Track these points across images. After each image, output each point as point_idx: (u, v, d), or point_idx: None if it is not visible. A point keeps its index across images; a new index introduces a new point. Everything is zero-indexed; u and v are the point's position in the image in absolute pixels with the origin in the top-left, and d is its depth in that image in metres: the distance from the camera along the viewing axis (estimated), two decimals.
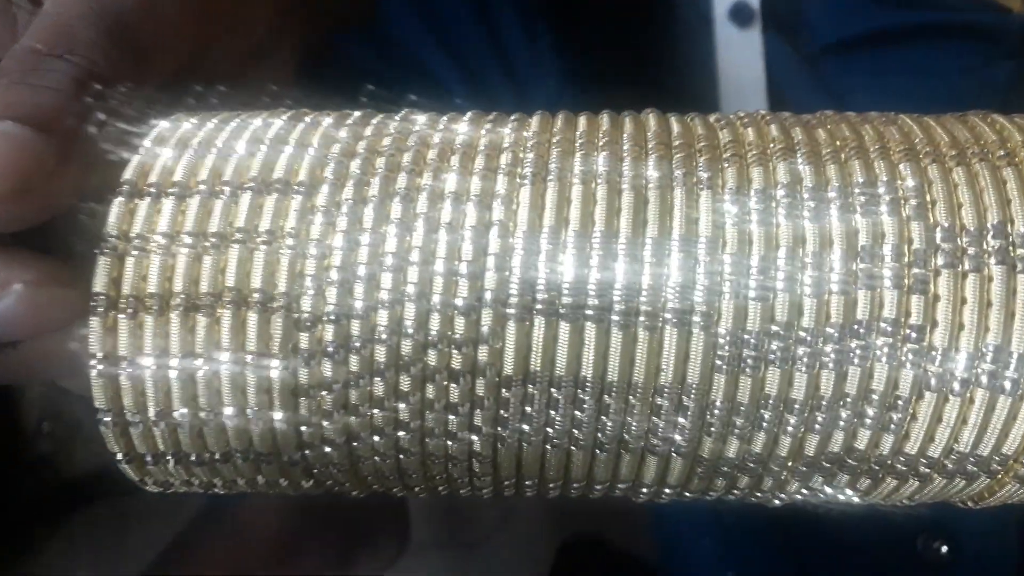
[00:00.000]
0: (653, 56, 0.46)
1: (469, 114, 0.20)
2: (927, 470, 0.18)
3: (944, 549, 0.45)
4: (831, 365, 0.17)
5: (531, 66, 0.46)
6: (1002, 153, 0.18)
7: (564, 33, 0.46)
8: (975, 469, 0.18)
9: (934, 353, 0.17)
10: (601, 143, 0.19)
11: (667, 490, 0.20)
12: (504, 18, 0.46)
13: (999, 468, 0.18)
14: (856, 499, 0.20)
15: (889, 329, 0.17)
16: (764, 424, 0.18)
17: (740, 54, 0.45)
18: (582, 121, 0.20)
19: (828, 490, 0.19)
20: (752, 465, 0.18)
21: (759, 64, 0.45)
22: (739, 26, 0.45)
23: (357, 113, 0.20)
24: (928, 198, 0.17)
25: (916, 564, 0.45)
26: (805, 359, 0.17)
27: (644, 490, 0.20)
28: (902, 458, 0.18)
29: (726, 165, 0.18)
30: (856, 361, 0.17)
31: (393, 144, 0.19)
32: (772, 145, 0.18)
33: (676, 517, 0.50)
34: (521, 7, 0.45)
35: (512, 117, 0.20)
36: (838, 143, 0.18)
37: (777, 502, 0.20)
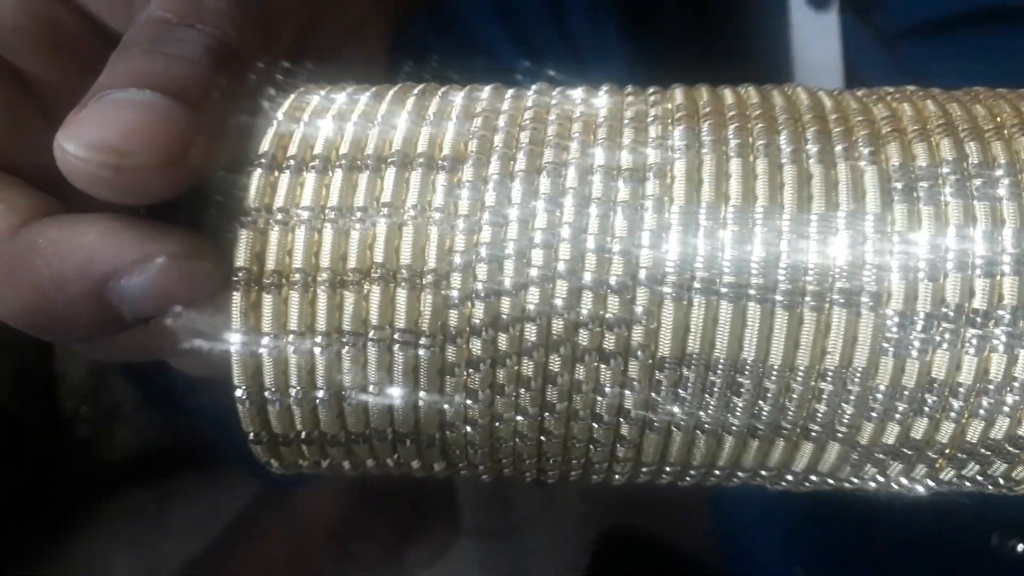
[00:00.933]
0: (724, 39, 0.45)
1: (605, 86, 0.20)
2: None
3: (1020, 547, 0.44)
4: (1001, 348, 0.16)
5: (597, 50, 0.45)
6: None
7: (631, 15, 0.45)
8: None
9: None
10: (754, 115, 0.18)
11: (813, 477, 0.19)
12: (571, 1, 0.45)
13: None
14: (1007, 490, 0.19)
15: None
16: (926, 409, 0.17)
17: (816, 37, 0.44)
18: (729, 93, 0.19)
19: (980, 479, 0.19)
20: (908, 451, 0.18)
21: (836, 47, 0.44)
22: (816, 8, 0.44)
23: (488, 87, 0.20)
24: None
25: (990, 561, 0.44)
26: (975, 341, 0.16)
27: (789, 477, 0.19)
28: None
29: (888, 140, 0.17)
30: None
31: (535, 117, 0.18)
32: (931, 121, 0.18)
33: (740, 508, 0.49)
34: None
35: (651, 89, 0.19)
36: (999, 119, 0.18)
37: (922, 490, 0.19)
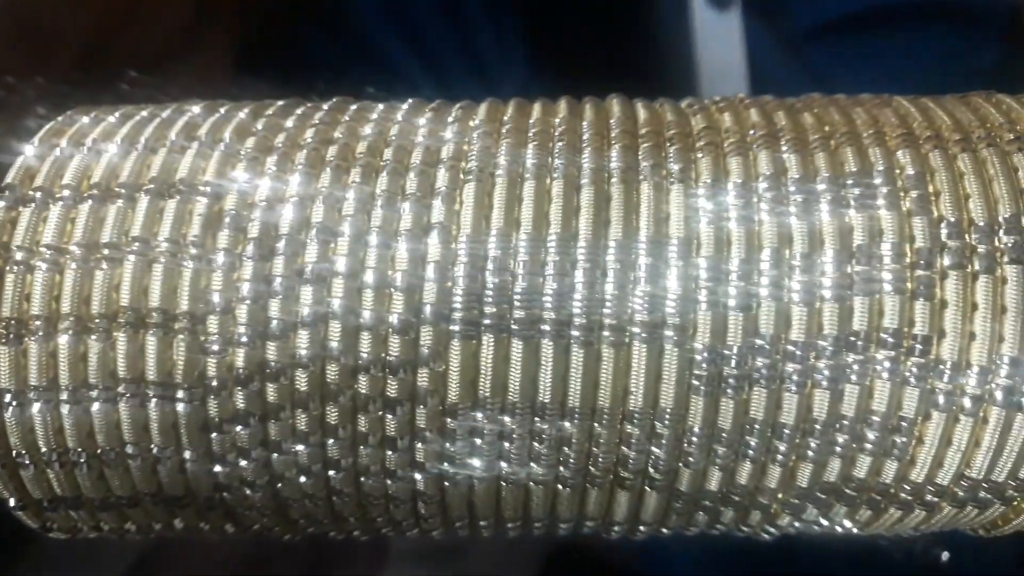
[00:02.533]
0: (627, 43, 0.44)
1: (409, 102, 0.18)
2: (935, 499, 0.16)
3: (945, 555, 0.43)
4: (825, 383, 0.15)
5: (499, 55, 0.44)
6: (1011, 137, 0.16)
7: (532, 18, 0.43)
8: (988, 496, 0.16)
9: (942, 367, 0.15)
10: (558, 133, 0.16)
11: (642, 527, 0.17)
12: (470, 5, 0.43)
13: (1015, 494, 0.16)
14: (855, 530, 0.18)
15: (891, 341, 0.14)
16: (750, 452, 0.15)
17: (719, 39, 0.43)
18: (536, 108, 0.17)
19: (824, 522, 0.17)
20: (737, 498, 0.16)
21: (739, 49, 0.43)
22: (718, 9, 0.43)
23: (279, 103, 0.18)
24: (931, 189, 0.15)
25: (914, 569, 0.43)
26: (795, 377, 0.15)
27: (616, 528, 0.17)
28: (907, 486, 0.16)
29: (700, 155, 0.16)
30: (854, 378, 0.15)
31: (317, 136, 0.16)
32: (752, 132, 0.16)
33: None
34: None
35: (457, 105, 0.18)
36: (827, 128, 0.16)
37: (767, 536, 0.18)
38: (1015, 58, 0.45)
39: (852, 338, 0.15)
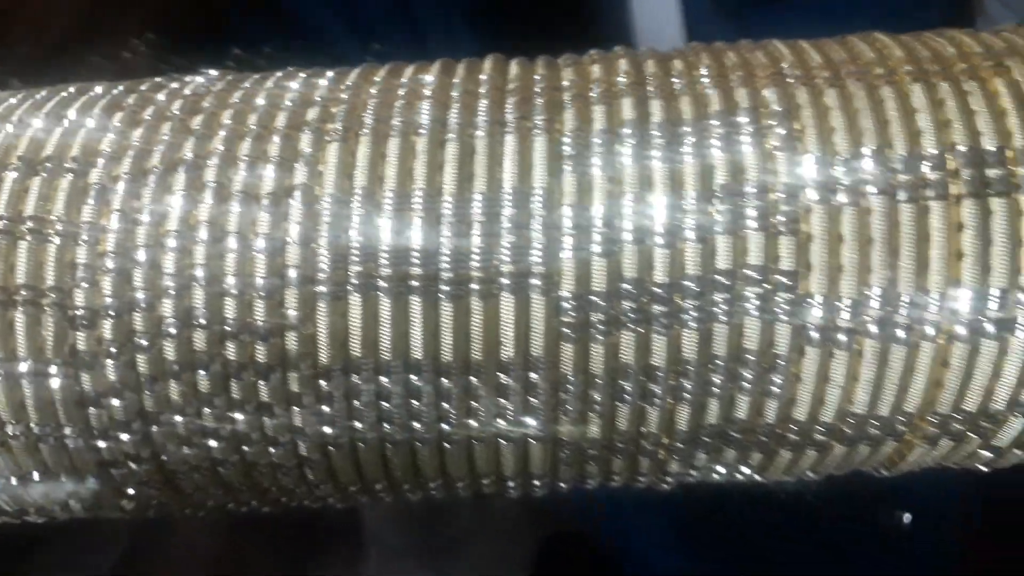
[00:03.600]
0: (564, 12, 0.44)
1: (282, 72, 0.18)
2: (823, 438, 0.16)
3: (907, 518, 0.43)
4: (693, 323, 0.15)
5: (442, 28, 0.44)
6: (881, 71, 0.16)
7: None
8: (878, 432, 0.16)
9: (811, 302, 0.15)
10: (428, 91, 0.16)
11: (536, 482, 0.17)
12: None
13: (904, 428, 0.16)
14: (756, 476, 0.18)
15: (757, 277, 0.14)
16: (626, 397, 0.15)
17: (657, 11, 0.43)
18: (409, 70, 0.17)
19: (719, 468, 0.17)
20: (621, 445, 0.16)
21: (677, 21, 0.43)
22: None
23: (157, 79, 0.18)
24: (796, 125, 0.15)
25: (878, 536, 0.43)
26: (663, 319, 0.15)
27: (510, 483, 0.17)
28: (793, 426, 0.16)
29: (566, 106, 0.16)
30: (722, 317, 0.15)
31: (185, 107, 0.16)
32: (621, 80, 0.16)
33: (627, 501, 0.48)
34: None
35: (331, 71, 0.18)
36: (694, 73, 0.16)
37: (666, 486, 0.18)
38: (960, 17, 0.45)
39: (718, 277, 0.14)
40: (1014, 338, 0.15)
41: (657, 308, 0.15)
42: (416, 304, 0.15)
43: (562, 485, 0.17)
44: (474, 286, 0.15)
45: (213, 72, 0.18)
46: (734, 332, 0.15)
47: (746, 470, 0.17)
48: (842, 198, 0.15)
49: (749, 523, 0.43)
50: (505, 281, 0.15)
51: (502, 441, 0.16)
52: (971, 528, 0.45)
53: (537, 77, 0.16)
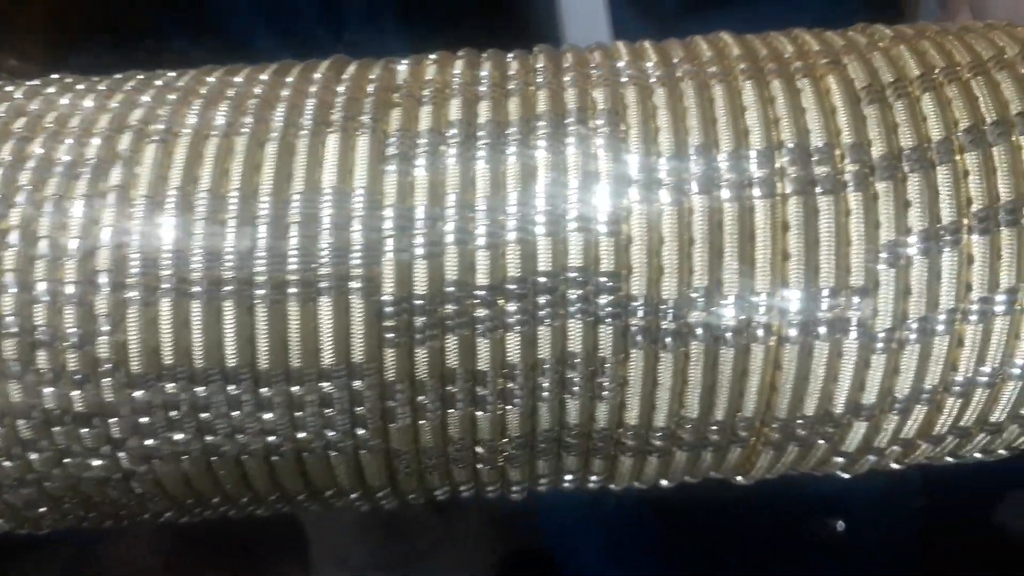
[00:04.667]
0: (495, 22, 0.44)
1: (124, 74, 0.17)
2: (661, 443, 0.16)
3: (840, 526, 0.43)
4: (517, 326, 0.14)
5: (372, 30, 0.43)
6: (714, 70, 0.16)
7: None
8: (718, 438, 0.16)
9: (634, 304, 0.14)
10: (257, 91, 0.16)
11: (379, 494, 0.17)
12: None
13: (747, 434, 0.16)
14: (610, 485, 0.17)
15: (579, 279, 0.14)
16: (456, 402, 0.15)
17: (586, 19, 0.43)
18: (244, 72, 0.17)
19: (566, 476, 0.17)
20: (457, 453, 0.16)
21: (606, 29, 0.43)
22: None
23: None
24: (622, 126, 0.15)
25: (812, 544, 0.43)
26: (487, 321, 0.14)
27: (353, 497, 0.17)
28: (628, 431, 0.15)
29: (395, 107, 0.15)
30: (546, 320, 0.14)
31: (9, 111, 0.16)
32: (454, 82, 0.16)
33: (562, 511, 0.47)
34: None
35: (171, 72, 0.17)
36: (529, 75, 0.16)
37: (515, 497, 0.17)
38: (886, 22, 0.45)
39: (540, 279, 0.14)
40: (847, 339, 0.15)
41: (481, 311, 0.14)
42: (230, 309, 0.14)
43: (411, 498, 0.17)
44: (292, 290, 0.14)
45: (56, 76, 0.18)
46: (557, 335, 0.14)
47: (594, 478, 0.17)
48: (664, 197, 0.14)
49: (706, 541, 0.43)
50: (324, 285, 0.14)
51: (332, 452, 0.15)
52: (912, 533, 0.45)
53: (372, 77, 0.16)
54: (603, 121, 0.15)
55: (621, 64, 0.16)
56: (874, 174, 0.14)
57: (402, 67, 0.16)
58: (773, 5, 0.44)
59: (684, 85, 0.15)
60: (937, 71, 0.15)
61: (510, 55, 0.17)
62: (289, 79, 0.16)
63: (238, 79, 0.16)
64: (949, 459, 0.17)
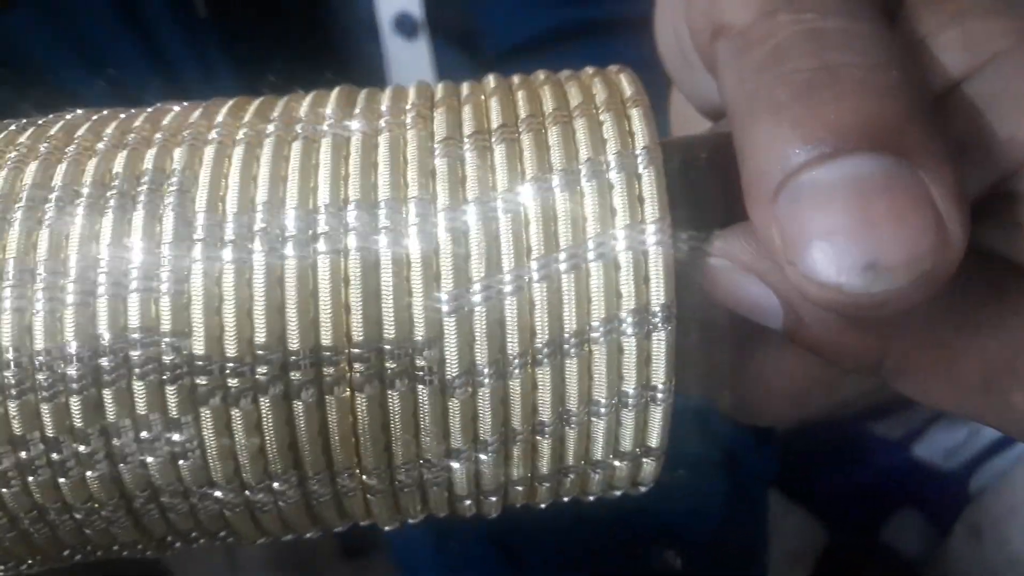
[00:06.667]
0: (321, 67, 0.44)
1: None
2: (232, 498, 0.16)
3: (678, 560, 0.43)
4: (86, 390, 0.14)
5: (201, 78, 0.44)
6: (299, 129, 0.16)
7: (226, 38, 0.43)
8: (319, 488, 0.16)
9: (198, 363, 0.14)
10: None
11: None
12: (158, 23, 0.43)
13: (351, 483, 0.16)
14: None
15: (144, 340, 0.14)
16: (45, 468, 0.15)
17: (410, 65, 0.44)
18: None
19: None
20: (86, 518, 0.15)
21: (430, 75, 0.44)
22: (405, 37, 0.44)
23: None
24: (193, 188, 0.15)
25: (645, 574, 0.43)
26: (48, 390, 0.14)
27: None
28: (220, 489, 0.15)
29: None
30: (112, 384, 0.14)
31: None
32: (43, 145, 0.16)
33: (406, 535, 0.47)
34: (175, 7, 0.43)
35: None
36: (125, 136, 0.16)
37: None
38: None
39: (102, 343, 0.14)
40: (420, 387, 0.15)
41: (41, 376, 0.14)
42: None
43: (36, 561, 0.17)
44: None
45: None
46: (123, 397, 0.14)
47: (221, 535, 0.17)
48: (227, 255, 0.14)
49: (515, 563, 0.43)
50: None
51: None
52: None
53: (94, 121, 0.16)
54: (175, 180, 0.15)
55: (216, 121, 0.16)
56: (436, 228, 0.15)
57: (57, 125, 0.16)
58: (591, 48, 0.45)
59: (266, 143, 0.16)
60: (519, 121, 0.16)
61: (122, 115, 0.17)
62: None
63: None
64: (590, 497, 0.18)
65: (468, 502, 0.17)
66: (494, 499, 0.17)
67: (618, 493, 0.17)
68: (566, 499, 0.17)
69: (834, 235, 0.12)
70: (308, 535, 0.17)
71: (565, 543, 0.42)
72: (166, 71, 0.44)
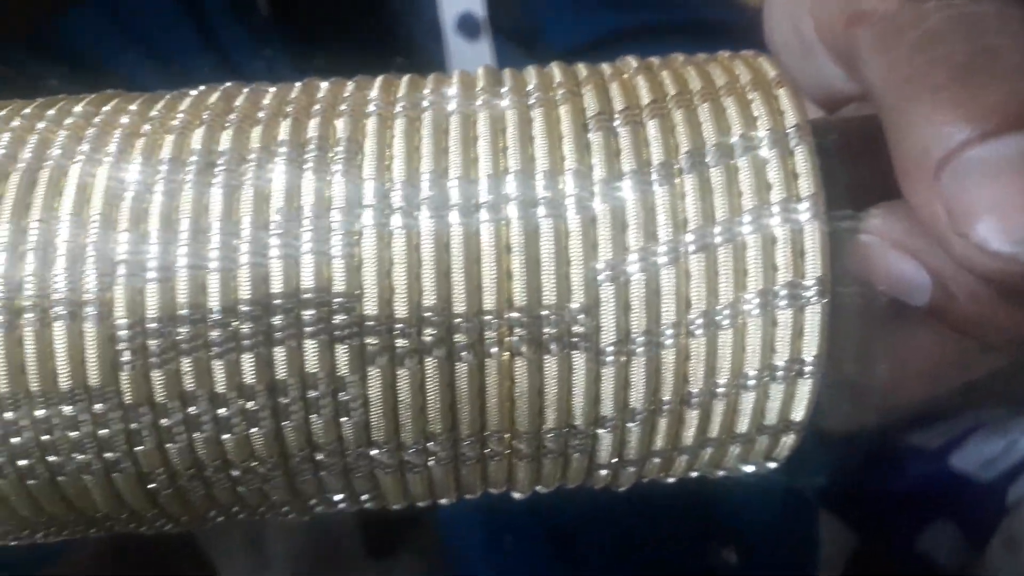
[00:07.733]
0: (384, 67, 0.45)
1: None
2: (416, 459, 0.16)
3: (734, 556, 0.44)
4: (251, 347, 0.15)
5: (255, 69, 0.44)
6: (453, 106, 0.16)
7: (288, 42, 0.44)
8: (471, 452, 0.16)
9: (369, 324, 0.15)
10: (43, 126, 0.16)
11: (149, 516, 0.17)
12: (221, 22, 0.44)
13: (498, 447, 0.16)
14: (383, 505, 0.18)
15: (313, 300, 0.15)
16: (201, 424, 0.15)
17: (472, 66, 0.44)
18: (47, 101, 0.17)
19: (335, 498, 0.17)
20: (214, 475, 0.16)
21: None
22: (468, 38, 0.44)
23: None
24: (359, 156, 0.15)
25: (705, 573, 0.43)
26: (221, 344, 0.15)
27: (124, 518, 0.17)
28: (382, 449, 0.16)
29: (142, 136, 0.16)
30: (283, 342, 0.15)
31: None
32: (206, 113, 0.16)
33: (451, 512, 0.47)
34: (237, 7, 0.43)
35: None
36: (282, 106, 0.16)
37: (305, 515, 0.18)
38: None
39: (275, 301, 0.15)
40: (575, 353, 0.15)
41: (215, 334, 0.15)
42: None
43: (183, 520, 0.17)
44: (28, 315, 0.15)
45: None
46: (293, 356, 0.15)
47: (364, 498, 0.17)
48: (396, 221, 0.15)
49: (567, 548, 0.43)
50: (59, 310, 0.15)
51: (85, 476, 0.16)
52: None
53: (135, 108, 0.17)
54: (344, 149, 0.15)
55: (371, 95, 0.17)
56: (593, 199, 0.15)
57: (143, 103, 0.17)
58: (655, 50, 0.46)
59: (425, 116, 0.16)
60: (668, 98, 0.16)
61: (272, 88, 0.17)
62: (49, 112, 0.17)
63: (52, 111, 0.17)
64: (720, 472, 0.18)
65: (605, 472, 0.17)
66: (632, 470, 0.17)
67: (749, 468, 0.18)
68: (695, 474, 0.18)
69: (1004, 207, 0.12)
70: (444, 501, 0.18)
71: (620, 540, 0.42)
72: (228, 69, 0.45)
